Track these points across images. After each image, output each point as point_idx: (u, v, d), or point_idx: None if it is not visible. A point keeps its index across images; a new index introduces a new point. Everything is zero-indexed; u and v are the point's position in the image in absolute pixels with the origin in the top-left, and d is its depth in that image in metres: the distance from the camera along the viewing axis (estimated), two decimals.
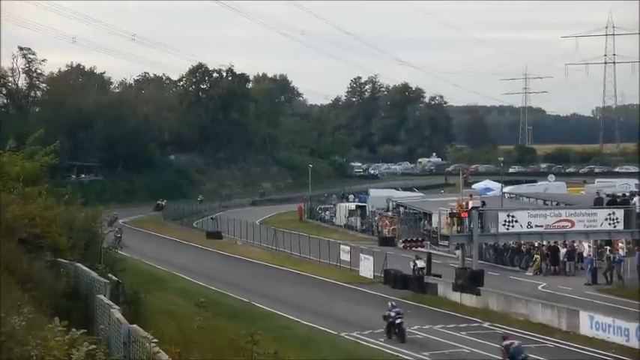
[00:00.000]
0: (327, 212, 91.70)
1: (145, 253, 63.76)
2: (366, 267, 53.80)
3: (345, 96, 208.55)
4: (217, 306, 40.92)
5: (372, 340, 36.81)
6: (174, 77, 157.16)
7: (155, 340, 12.93)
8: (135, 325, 13.98)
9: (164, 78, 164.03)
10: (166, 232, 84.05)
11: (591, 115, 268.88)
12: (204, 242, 75.28)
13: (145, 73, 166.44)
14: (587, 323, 36.98)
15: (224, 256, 67.21)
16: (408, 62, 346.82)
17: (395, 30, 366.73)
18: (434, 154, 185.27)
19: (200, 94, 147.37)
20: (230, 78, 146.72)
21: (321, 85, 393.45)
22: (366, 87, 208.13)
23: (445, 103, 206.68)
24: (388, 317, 36.61)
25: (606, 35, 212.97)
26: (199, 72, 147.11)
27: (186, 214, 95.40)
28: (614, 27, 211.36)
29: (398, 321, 36.20)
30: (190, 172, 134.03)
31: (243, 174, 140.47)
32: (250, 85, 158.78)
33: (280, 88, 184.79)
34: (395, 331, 36.32)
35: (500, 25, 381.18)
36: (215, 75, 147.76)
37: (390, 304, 37.82)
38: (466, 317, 41.28)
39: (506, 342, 31.46)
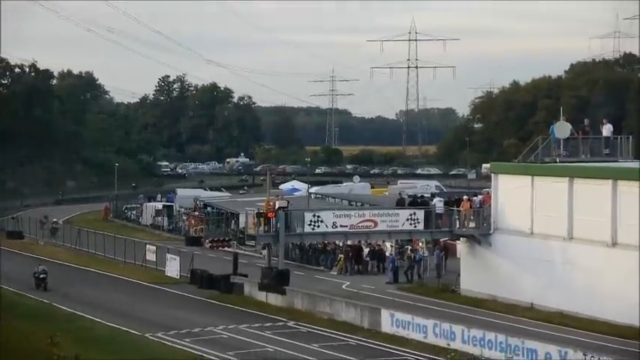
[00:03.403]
0: (134, 212, 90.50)
1: None
2: (172, 267, 53.37)
3: (153, 95, 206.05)
4: (16, 307, 39.66)
5: (177, 341, 36.56)
6: None
7: None
8: None
9: None
10: None
11: (395, 118, 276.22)
12: (5, 242, 72.67)
13: None
14: (389, 321, 37.94)
15: (24, 256, 65.09)
16: (217, 62, 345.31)
17: (204, 30, 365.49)
18: (242, 154, 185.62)
19: (1, 89, 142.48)
20: (33, 74, 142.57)
21: (128, 83, 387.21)
22: (175, 86, 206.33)
23: (254, 103, 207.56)
24: (35, 273, 49.84)
25: (409, 40, 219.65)
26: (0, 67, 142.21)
27: None
28: (416, 32, 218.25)
29: (42, 276, 49.45)
30: None
31: (47, 172, 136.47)
32: (55, 82, 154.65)
33: (86, 85, 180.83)
34: (41, 285, 49.12)
35: (307, 27, 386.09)
36: (17, 70, 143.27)
37: (38, 266, 50.67)
38: (272, 316, 41.57)
39: None
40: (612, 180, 39.74)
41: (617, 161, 44.11)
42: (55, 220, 78.53)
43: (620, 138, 46.01)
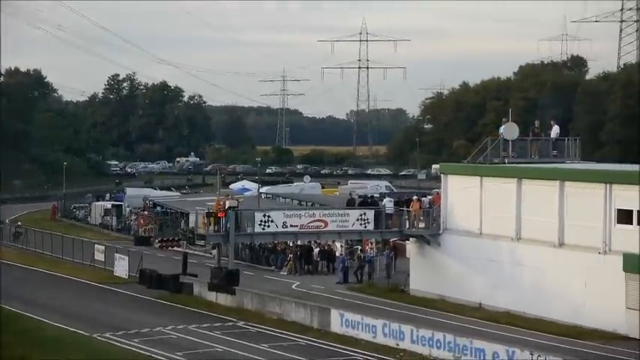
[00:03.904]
0: (82, 211, 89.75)
1: None
2: (121, 267, 53.03)
3: (103, 93, 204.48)
4: None
5: (125, 341, 36.34)
6: None
7: None
8: None
9: None
10: None
11: (346, 118, 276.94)
12: None
13: None
14: (338, 321, 38.03)
15: None
16: (168, 61, 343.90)
17: (155, 28, 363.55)
18: (192, 153, 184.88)
19: None
20: None
21: (77, 81, 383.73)
22: (124, 85, 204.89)
23: (204, 102, 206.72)
24: None
25: (360, 41, 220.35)
26: None
27: None
28: (367, 33, 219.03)
29: None
30: None
31: None
32: (2, 80, 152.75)
33: (34, 83, 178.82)
34: None
35: (259, 26, 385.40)
36: None
37: None
38: (221, 316, 41.48)
39: None
40: (560, 181, 40.18)
41: (564, 162, 44.64)
42: (19, 223, 76.50)
43: (568, 140, 46.58)
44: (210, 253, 56.89)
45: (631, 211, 37.24)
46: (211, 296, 45.25)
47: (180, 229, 69.22)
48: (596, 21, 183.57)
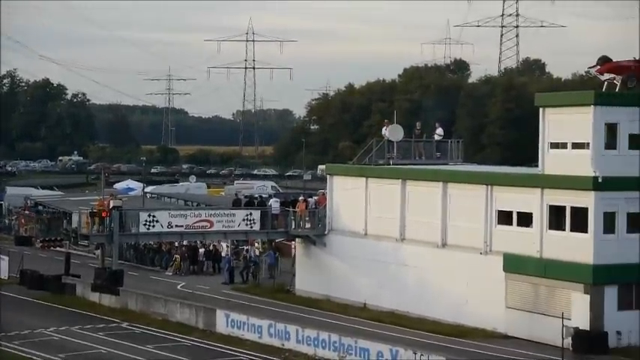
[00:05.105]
0: None
1: None
2: (1, 267, 51.89)
3: None
4: None
5: (5, 344, 35.59)
6: None
7: None
8: None
9: None
10: None
11: (232, 118, 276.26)
12: None
13: None
14: (224, 321, 37.99)
15: None
16: (50, 58, 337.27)
17: (37, 25, 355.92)
18: (75, 152, 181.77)
19: None
20: None
21: None
22: (5, 81, 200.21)
23: (88, 100, 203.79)
24: None
25: (247, 41, 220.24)
26: None
27: None
28: (254, 33, 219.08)
29: None
30: None
31: None
32: None
33: None
34: None
35: (145, 24, 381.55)
36: None
37: None
38: (105, 317, 40.99)
39: None
40: (442, 182, 40.90)
41: (447, 164, 45.48)
42: None
43: (451, 142, 47.48)
44: (94, 254, 56.09)
45: (511, 212, 38.17)
46: (95, 297, 44.66)
47: (63, 228, 68.01)
48: (478, 26, 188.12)
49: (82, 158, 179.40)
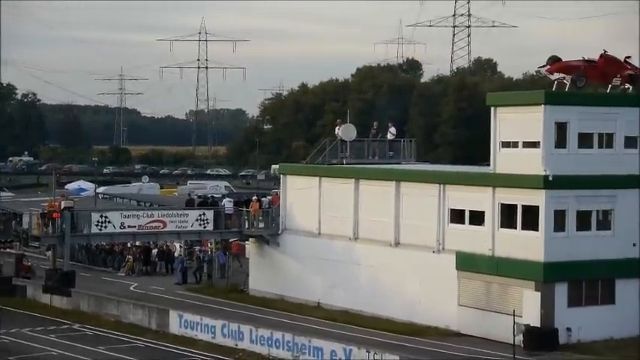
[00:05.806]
0: None
1: None
2: None
3: None
4: None
5: None
6: None
7: None
8: None
9: None
10: None
11: (185, 118, 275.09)
12: None
13: None
14: (177, 322, 37.87)
15: None
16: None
17: None
18: (26, 152, 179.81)
19: None
20: None
21: None
22: None
23: (39, 100, 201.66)
24: None
25: (199, 41, 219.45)
26: None
27: None
28: (207, 33, 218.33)
29: None
30: None
31: None
32: None
33: None
34: None
35: (96, 24, 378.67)
36: None
37: None
38: (56, 319, 40.69)
39: None
40: (395, 182, 41.05)
41: (400, 163, 45.67)
42: None
43: (404, 141, 47.71)
44: (45, 255, 55.59)
45: (463, 211, 38.42)
46: (46, 299, 44.30)
47: (14, 230, 67.32)
48: (430, 26, 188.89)
49: (32, 159, 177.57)
